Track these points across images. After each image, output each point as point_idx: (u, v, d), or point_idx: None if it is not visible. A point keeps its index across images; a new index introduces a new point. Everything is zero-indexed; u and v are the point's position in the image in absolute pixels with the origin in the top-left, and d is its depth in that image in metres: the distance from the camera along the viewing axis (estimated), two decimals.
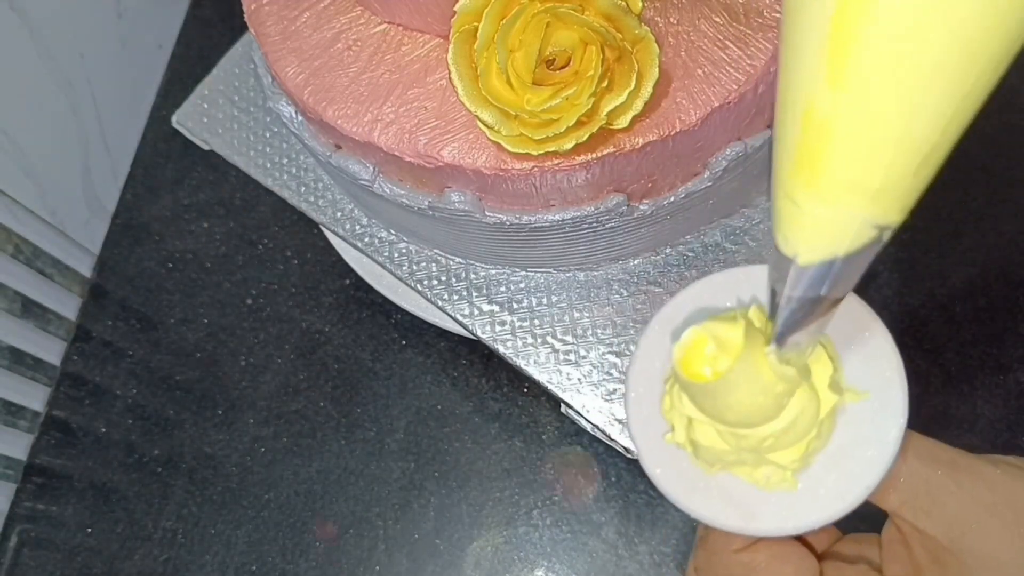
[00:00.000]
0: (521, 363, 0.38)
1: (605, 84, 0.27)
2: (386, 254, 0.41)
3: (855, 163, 0.14)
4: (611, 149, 0.29)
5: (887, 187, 0.14)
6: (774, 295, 0.18)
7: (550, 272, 0.39)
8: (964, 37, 0.12)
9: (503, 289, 0.40)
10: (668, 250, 0.39)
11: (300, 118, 0.35)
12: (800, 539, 0.23)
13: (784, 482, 0.21)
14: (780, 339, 0.18)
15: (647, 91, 0.27)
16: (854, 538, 0.25)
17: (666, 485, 0.22)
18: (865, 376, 0.22)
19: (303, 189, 0.43)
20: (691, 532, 0.43)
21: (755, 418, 0.20)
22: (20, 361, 0.50)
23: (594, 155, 0.29)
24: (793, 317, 0.17)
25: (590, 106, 0.26)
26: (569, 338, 0.38)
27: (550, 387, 0.38)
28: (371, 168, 0.34)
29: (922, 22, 0.12)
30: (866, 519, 0.22)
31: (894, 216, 0.15)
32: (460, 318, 0.39)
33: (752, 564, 0.22)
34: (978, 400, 0.44)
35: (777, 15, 0.30)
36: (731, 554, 0.23)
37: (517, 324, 0.39)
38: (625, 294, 0.39)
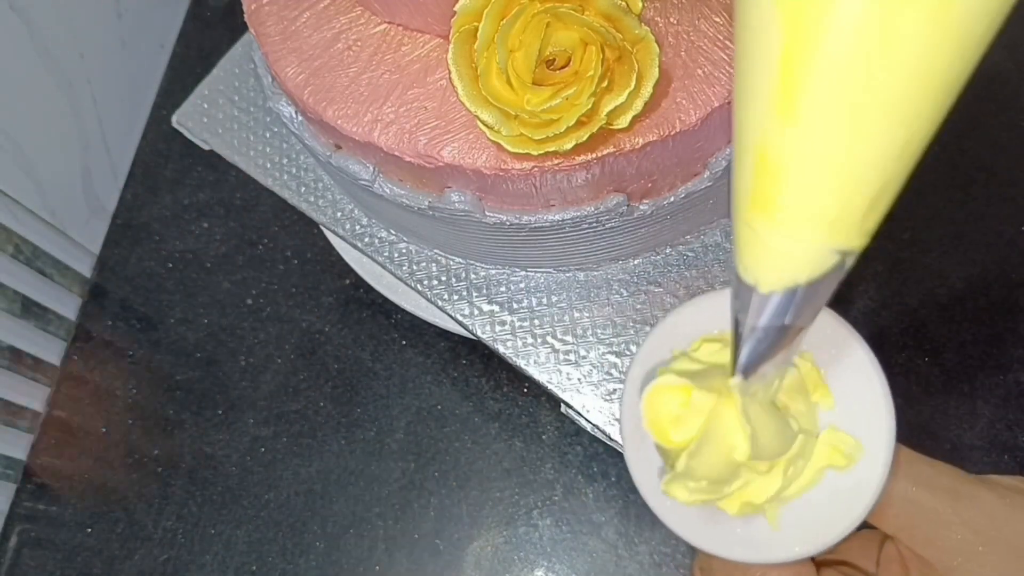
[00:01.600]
0: (521, 363, 0.38)
1: (605, 84, 0.27)
2: (386, 254, 0.41)
3: (810, 197, 0.14)
4: (611, 149, 0.29)
5: (844, 218, 0.14)
6: (738, 325, 0.17)
7: (550, 272, 0.39)
8: (909, 77, 0.12)
9: (503, 289, 0.40)
10: (668, 250, 0.39)
11: (300, 118, 0.35)
12: None
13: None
14: (745, 371, 0.18)
15: (647, 91, 0.27)
16: (855, 540, 0.25)
17: (650, 497, 0.22)
18: (850, 415, 0.21)
19: (303, 189, 0.43)
20: None
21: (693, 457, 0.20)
22: (20, 361, 0.50)
23: (594, 155, 0.29)
24: (758, 348, 0.17)
25: (590, 106, 0.26)
26: (569, 338, 0.38)
27: (550, 387, 0.38)
28: (371, 168, 0.34)
29: (867, 63, 0.12)
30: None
31: (855, 241, 0.15)
32: (460, 318, 0.39)
33: (750, 571, 0.23)
34: (978, 400, 0.44)
35: None
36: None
37: (517, 324, 0.39)
38: (625, 294, 0.39)
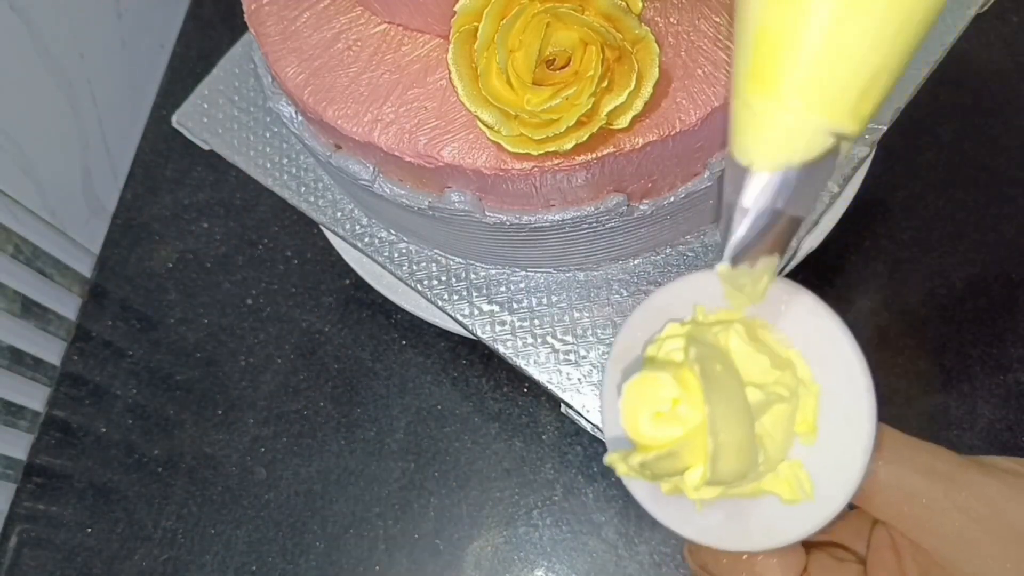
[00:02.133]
0: (521, 363, 0.38)
1: (605, 84, 0.27)
2: (386, 254, 0.41)
3: (807, 67, 0.15)
4: (611, 149, 0.29)
5: (839, 96, 0.15)
6: (729, 210, 0.17)
7: (550, 272, 0.39)
8: None
9: (503, 289, 0.40)
10: (668, 250, 0.39)
11: (300, 118, 0.35)
12: None
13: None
14: (734, 257, 0.18)
15: (647, 91, 0.27)
16: (846, 520, 0.24)
17: (632, 486, 0.22)
18: (822, 459, 0.21)
19: (303, 189, 0.43)
20: None
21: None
22: (20, 361, 0.50)
23: (594, 155, 0.29)
24: (749, 233, 0.17)
25: (590, 106, 0.26)
26: (569, 338, 0.38)
27: (550, 387, 0.38)
28: (371, 168, 0.34)
29: None
30: None
31: (850, 125, 0.15)
32: (460, 318, 0.39)
33: (736, 554, 0.22)
34: (978, 400, 0.44)
35: None
36: None
37: (517, 324, 0.39)
38: (625, 294, 0.39)
